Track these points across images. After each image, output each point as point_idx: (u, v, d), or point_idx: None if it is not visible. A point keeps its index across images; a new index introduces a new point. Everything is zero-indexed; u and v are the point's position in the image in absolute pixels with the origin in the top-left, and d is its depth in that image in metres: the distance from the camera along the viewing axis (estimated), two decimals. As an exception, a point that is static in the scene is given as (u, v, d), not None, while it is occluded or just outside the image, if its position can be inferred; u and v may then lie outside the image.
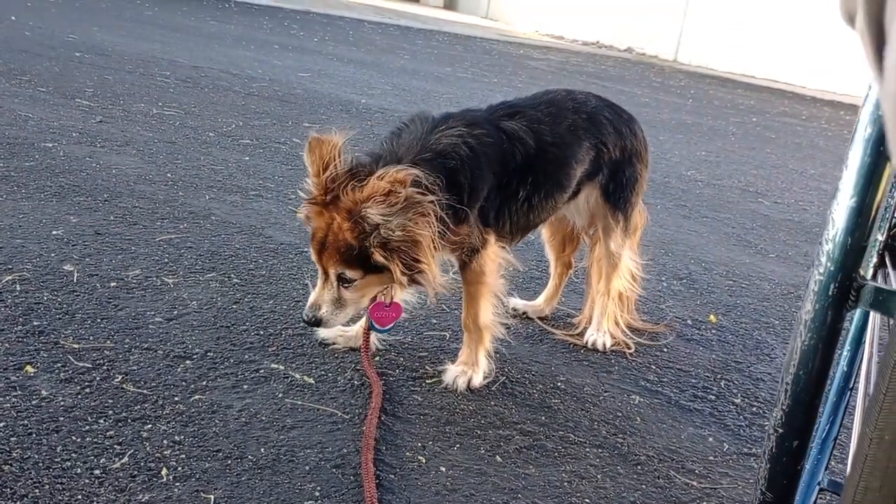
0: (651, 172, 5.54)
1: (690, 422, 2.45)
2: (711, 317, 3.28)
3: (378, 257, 2.09)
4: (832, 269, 0.97)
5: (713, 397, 2.62)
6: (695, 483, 2.13)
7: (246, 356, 2.38)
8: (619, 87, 10.94)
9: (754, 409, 2.59)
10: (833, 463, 2.29)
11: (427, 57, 10.70)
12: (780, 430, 1.04)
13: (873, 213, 0.96)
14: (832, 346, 1.00)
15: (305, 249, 3.13)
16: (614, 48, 17.56)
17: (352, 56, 9.39)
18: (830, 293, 0.98)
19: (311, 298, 2.22)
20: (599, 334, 2.80)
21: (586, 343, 2.80)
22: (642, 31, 17.32)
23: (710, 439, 2.37)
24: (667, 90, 11.50)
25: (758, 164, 6.86)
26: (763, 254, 4.28)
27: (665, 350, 2.90)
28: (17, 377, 2.07)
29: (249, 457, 1.91)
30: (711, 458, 2.27)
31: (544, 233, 2.92)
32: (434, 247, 2.13)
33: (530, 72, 11.01)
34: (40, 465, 1.75)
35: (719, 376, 2.77)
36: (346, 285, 2.18)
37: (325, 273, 2.18)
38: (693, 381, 2.71)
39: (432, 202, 2.08)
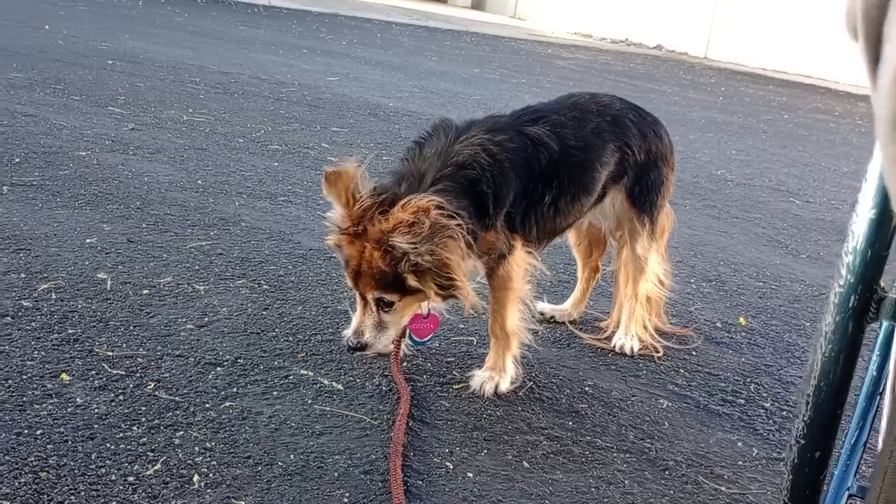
0: (680, 172, 5.52)
1: (719, 426, 2.44)
2: (741, 319, 3.26)
3: (412, 282, 2.13)
4: (852, 281, 0.97)
5: (742, 401, 2.61)
6: (723, 489, 2.12)
7: (275, 362, 2.41)
8: (648, 85, 10.88)
9: (784, 413, 2.57)
10: (864, 468, 2.27)
11: (455, 58, 10.72)
12: (802, 442, 1.04)
13: (893, 224, 0.96)
14: (853, 358, 1.00)
15: (334, 255, 3.16)
16: (643, 46, 17.46)
17: (380, 59, 9.44)
18: (851, 305, 0.98)
19: (353, 325, 2.24)
20: (627, 338, 2.80)
21: (614, 347, 2.80)
22: (672, 27, 17.20)
23: (740, 444, 2.36)
24: (697, 88, 11.42)
25: (789, 163, 6.79)
26: (794, 254, 4.24)
27: (694, 353, 2.89)
28: (54, 385, 2.11)
29: (279, 463, 1.94)
30: (740, 463, 2.26)
31: (571, 237, 2.92)
32: (464, 266, 2.16)
33: (558, 71, 10.98)
34: (76, 471, 1.79)
35: (749, 380, 2.76)
36: (385, 309, 2.21)
37: (364, 299, 2.21)
38: (722, 384, 2.70)
39: (458, 225, 2.10)
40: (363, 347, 2.24)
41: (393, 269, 2.11)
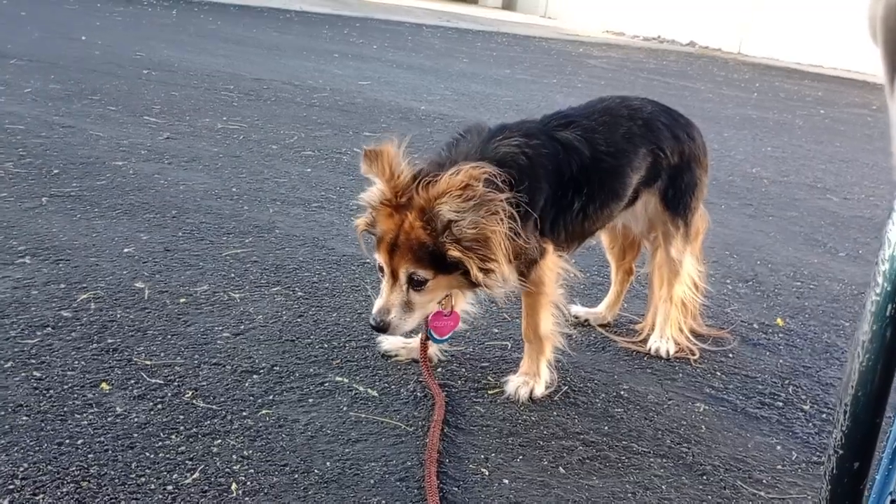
0: (715, 171, 5.48)
1: (757, 430, 2.41)
2: (778, 320, 3.22)
3: (455, 253, 2.10)
4: (889, 288, 0.95)
5: (781, 404, 2.58)
6: (762, 493, 2.10)
7: (311, 369, 2.42)
8: (681, 82, 10.80)
9: (824, 415, 2.54)
10: None
11: (486, 59, 10.72)
12: (841, 452, 1.03)
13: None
14: (891, 366, 0.99)
15: (367, 261, 3.18)
16: (676, 42, 17.32)
17: (411, 62, 9.46)
18: (888, 314, 0.96)
19: (380, 303, 2.21)
20: (663, 341, 2.78)
21: (649, 350, 2.78)
22: (704, 23, 17.04)
23: (778, 448, 2.33)
24: (731, 84, 11.30)
25: (826, 159, 6.70)
26: (832, 253, 4.18)
27: (730, 356, 2.86)
28: (94, 394, 2.15)
29: (316, 471, 1.95)
30: (779, 467, 2.24)
31: (604, 240, 2.91)
32: (505, 245, 2.13)
33: (590, 71, 10.93)
34: (116, 481, 1.82)
35: (787, 382, 2.72)
36: (416, 288, 2.19)
37: (394, 275, 2.18)
38: (760, 387, 2.67)
39: (503, 200, 2.09)
40: (386, 327, 2.21)
41: (433, 240, 2.10)
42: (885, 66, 0.65)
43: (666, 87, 10.07)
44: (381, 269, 2.22)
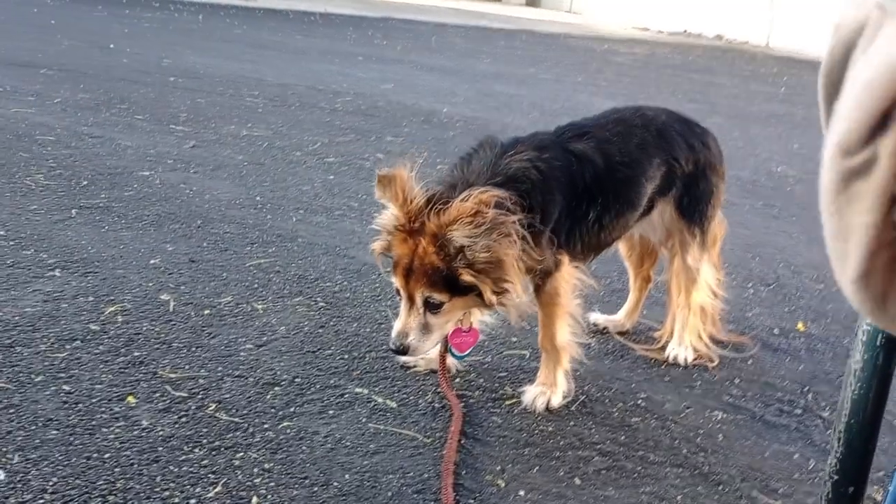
0: (739, 170, 5.47)
1: (775, 438, 2.42)
2: (800, 325, 3.22)
3: (467, 277, 2.14)
4: (880, 320, 0.97)
5: (799, 411, 2.58)
6: (779, 503, 2.11)
7: (331, 381, 2.47)
8: (707, 78, 10.73)
9: (842, 423, 2.53)
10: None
11: (509, 59, 10.72)
12: (836, 477, 1.05)
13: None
14: (884, 394, 1.01)
15: (387, 270, 3.21)
16: (702, 36, 17.19)
17: (433, 63, 9.50)
18: (878, 343, 0.98)
19: (398, 326, 2.26)
20: (681, 348, 2.79)
21: (667, 358, 2.79)
22: (731, 16, 16.90)
23: (796, 456, 2.34)
24: (757, 79, 11.21)
25: (853, 155, 6.62)
26: (856, 254, 4.15)
27: (750, 362, 2.87)
28: (120, 408, 2.21)
29: (335, 483, 2.00)
30: (797, 476, 2.24)
31: (622, 248, 2.93)
32: (518, 266, 2.17)
33: (615, 68, 10.90)
34: (142, 495, 1.87)
35: (806, 388, 2.72)
36: (433, 311, 2.23)
37: (411, 299, 2.23)
38: (779, 394, 2.67)
39: (515, 222, 2.12)
40: (405, 350, 2.25)
41: (447, 265, 2.14)
42: (824, 124, 0.68)
43: (691, 83, 10.02)
44: (398, 291, 2.26)
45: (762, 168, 5.85)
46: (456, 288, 2.18)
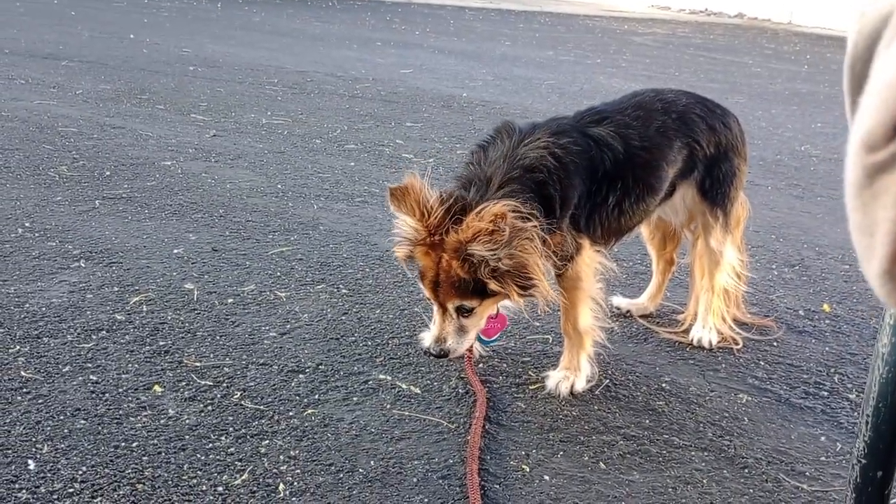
0: (761, 150, 5.42)
1: (801, 420, 2.40)
2: (825, 306, 3.19)
3: (494, 286, 2.15)
4: (908, 303, 0.96)
5: (826, 393, 2.56)
6: (805, 486, 2.10)
7: (355, 367, 2.48)
8: (728, 57, 10.62)
9: (870, 404, 2.51)
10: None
11: (528, 41, 10.66)
12: (864, 461, 1.04)
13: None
14: (913, 379, 0.99)
15: (411, 268, 3.22)
16: (724, 14, 17.00)
17: (452, 47, 9.46)
18: (907, 327, 0.97)
19: (435, 332, 2.26)
20: (705, 331, 2.77)
21: (692, 340, 2.78)
22: (753, -6, 16.69)
23: (822, 439, 2.32)
24: (780, 57, 11.08)
25: (878, 133, 6.54)
26: (882, 233, 4.10)
27: (775, 344, 2.85)
28: (147, 397, 2.23)
29: (360, 470, 2.01)
30: (823, 458, 2.23)
31: (644, 231, 2.91)
32: (541, 265, 2.17)
33: (635, 49, 10.81)
34: (169, 483, 1.89)
35: (833, 370, 2.70)
36: (465, 314, 2.23)
37: (443, 307, 2.23)
38: (805, 376, 2.65)
39: (533, 226, 2.12)
40: (446, 354, 2.27)
41: (472, 275, 2.13)
42: (849, 118, 0.67)
43: (713, 63, 9.92)
44: (429, 298, 2.27)
45: (785, 148, 5.79)
46: (484, 292, 2.18)
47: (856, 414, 2.45)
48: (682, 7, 17.64)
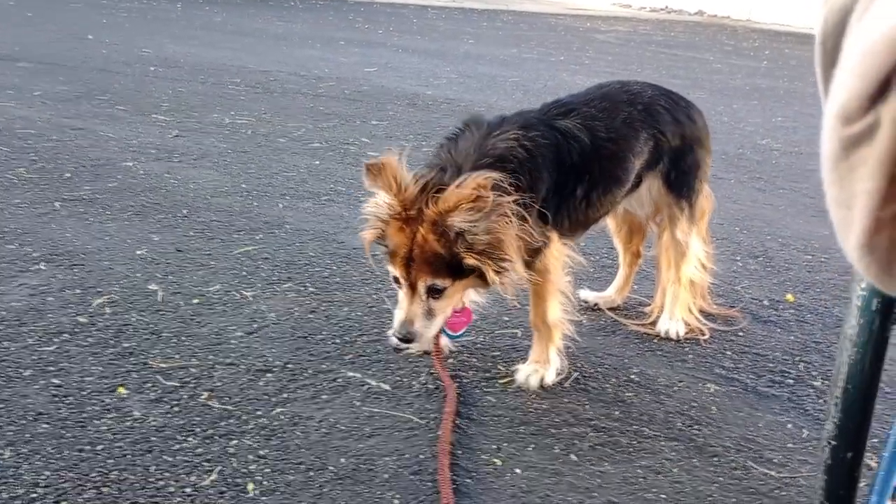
0: (724, 144, 5.46)
1: (768, 409, 2.43)
2: (789, 296, 3.23)
3: (471, 261, 2.12)
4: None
5: (791, 381, 2.59)
6: (773, 473, 2.12)
7: (324, 365, 2.46)
8: (689, 53, 10.72)
9: (835, 391, 2.54)
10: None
11: (492, 39, 10.68)
12: (834, 443, 1.05)
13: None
14: (879, 359, 1.00)
15: (376, 252, 3.20)
16: (684, 12, 17.17)
17: (416, 45, 9.45)
18: (874, 308, 0.98)
19: (401, 315, 2.22)
20: (672, 322, 2.79)
21: (659, 332, 2.79)
22: (712, -9, 16.87)
23: (789, 426, 2.35)
24: (740, 53, 11.21)
25: (837, 127, 6.63)
26: (843, 224, 4.16)
27: (741, 334, 2.87)
28: (111, 399, 2.19)
29: (330, 467, 1.99)
30: (790, 445, 2.25)
31: (611, 224, 2.92)
32: (516, 243, 2.16)
33: (598, 46, 10.87)
34: (136, 485, 1.86)
35: (798, 359, 2.74)
36: (435, 296, 2.20)
37: (413, 287, 2.19)
38: (770, 365, 2.68)
39: (511, 202, 2.11)
40: (412, 339, 2.23)
41: (448, 250, 2.12)
42: (822, 91, 0.67)
43: (674, 59, 10.01)
44: (396, 280, 2.23)
45: (747, 142, 5.85)
46: (457, 271, 2.16)
47: (821, 401, 2.49)
48: (642, 5, 17.78)
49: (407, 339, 2.23)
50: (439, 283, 2.17)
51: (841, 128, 0.58)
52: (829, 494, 1.09)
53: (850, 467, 1.05)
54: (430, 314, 2.22)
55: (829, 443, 1.05)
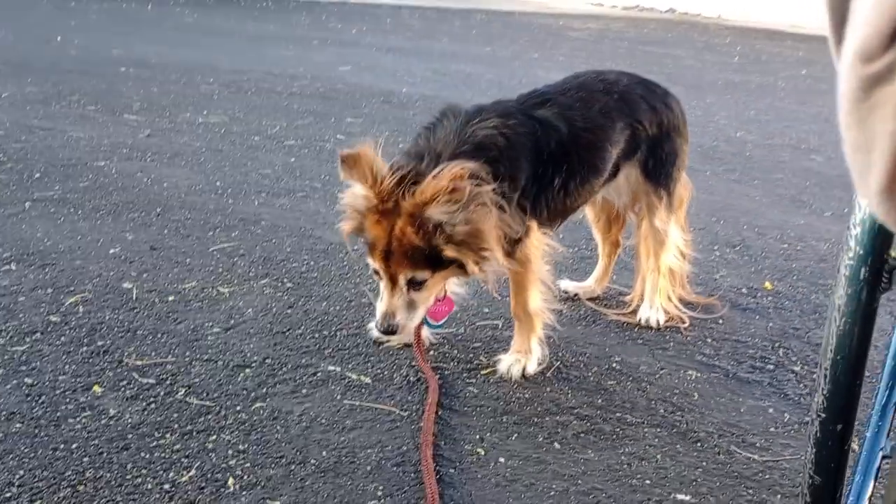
0: (698, 137, 5.48)
1: (749, 394, 2.43)
2: (767, 283, 3.23)
3: (450, 253, 2.10)
4: (861, 252, 0.96)
5: (772, 367, 2.59)
6: (756, 456, 2.12)
7: (303, 360, 2.43)
8: (661, 50, 10.76)
9: (814, 376, 2.53)
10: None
11: (465, 38, 10.67)
12: (823, 415, 1.04)
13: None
14: (868, 328, 0.99)
15: (354, 248, 3.17)
16: (655, 10, 17.26)
17: (390, 44, 9.42)
18: (862, 277, 0.97)
19: (383, 308, 2.19)
20: (652, 311, 2.79)
21: (639, 321, 2.79)
22: (683, -11, 16.96)
23: (771, 410, 2.35)
24: (711, 49, 11.27)
25: (810, 119, 6.70)
26: (818, 213, 4.19)
27: (720, 322, 2.87)
28: (86, 398, 2.15)
29: (312, 461, 1.96)
30: (772, 429, 2.25)
31: (589, 214, 2.91)
32: (497, 233, 2.13)
33: (571, 44, 10.90)
34: (113, 483, 1.82)
35: (777, 345, 2.74)
36: (416, 288, 2.18)
37: (393, 280, 2.17)
38: (750, 351, 2.68)
39: (490, 191, 2.09)
40: (395, 331, 2.20)
41: (427, 243, 2.09)
42: (833, 38, 0.65)
43: (647, 55, 10.04)
44: (376, 272, 2.20)
45: (721, 135, 5.88)
46: (437, 262, 2.14)
47: (802, 385, 2.49)
48: (614, 3, 17.84)
49: (389, 331, 2.21)
50: (419, 275, 2.15)
51: (861, 66, 0.56)
52: (818, 469, 1.08)
53: (840, 440, 1.04)
54: (411, 306, 2.20)
55: (819, 415, 1.04)
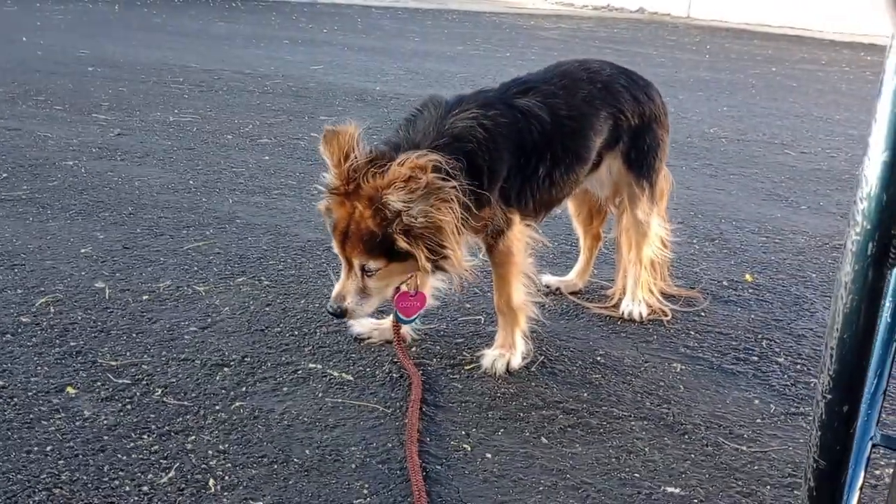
0: (673, 133, 5.46)
1: (735, 385, 2.41)
2: (747, 276, 3.23)
3: (402, 244, 2.07)
4: (868, 227, 0.93)
5: (756, 358, 2.58)
6: (744, 448, 2.10)
7: (283, 358, 2.38)
8: (633, 49, 10.81)
9: (798, 366, 2.54)
10: (884, 416, 2.25)
11: (438, 37, 10.64)
12: (829, 396, 1.01)
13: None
14: (875, 306, 0.97)
15: (331, 244, 3.12)
16: (625, 10, 17.35)
17: (362, 44, 9.36)
18: (869, 253, 0.94)
19: (336, 290, 2.19)
20: (635, 304, 2.77)
21: (622, 314, 2.77)
22: (652, -11, 17.08)
23: (756, 402, 2.33)
24: (682, 48, 11.34)
25: (781, 115, 6.75)
26: (794, 206, 4.21)
27: (703, 314, 2.86)
28: (60, 399, 2.08)
29: (295, 459, 1.91)
30: (759, 420, 2.24)
31: (570, 207, 2.89)
32: (458, 232, 2.10)
33: (542, 42, 10.91)
34: (89, 486, 1.76)
35: (760, 336, 2.73)
36: (369, 274, 2.15)
37: (349, 263, 2.15)
38: (734, 343, 2.67)
39: (454, 187, 2.05)
40: (343, 313, 2.19)
41: (383, 230, 2.06)
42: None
43: (617, 54, 10.07)
44: (337, 252, 2.18)
45: (695, 131, 5.90)
46: (393, 253, 2.10)
47: (786, 376, 2.48)
48: (585, 3, 17.92)
49: (338, 313, 2.19)
50: (372, 263, 2.12)
51: None
52: (822, 452, 1.06)
53: (847, 421, 1.02)
54: (363, 292, 2.18)
55: (824, 396, 1.01)
